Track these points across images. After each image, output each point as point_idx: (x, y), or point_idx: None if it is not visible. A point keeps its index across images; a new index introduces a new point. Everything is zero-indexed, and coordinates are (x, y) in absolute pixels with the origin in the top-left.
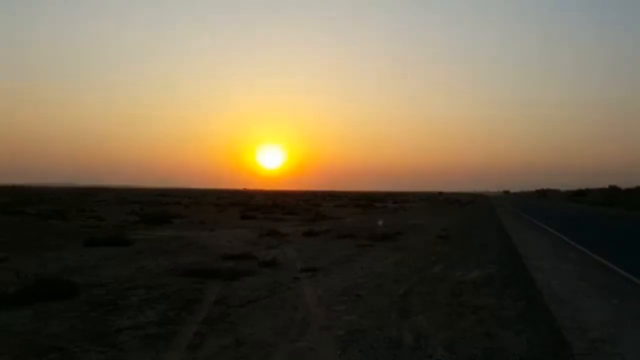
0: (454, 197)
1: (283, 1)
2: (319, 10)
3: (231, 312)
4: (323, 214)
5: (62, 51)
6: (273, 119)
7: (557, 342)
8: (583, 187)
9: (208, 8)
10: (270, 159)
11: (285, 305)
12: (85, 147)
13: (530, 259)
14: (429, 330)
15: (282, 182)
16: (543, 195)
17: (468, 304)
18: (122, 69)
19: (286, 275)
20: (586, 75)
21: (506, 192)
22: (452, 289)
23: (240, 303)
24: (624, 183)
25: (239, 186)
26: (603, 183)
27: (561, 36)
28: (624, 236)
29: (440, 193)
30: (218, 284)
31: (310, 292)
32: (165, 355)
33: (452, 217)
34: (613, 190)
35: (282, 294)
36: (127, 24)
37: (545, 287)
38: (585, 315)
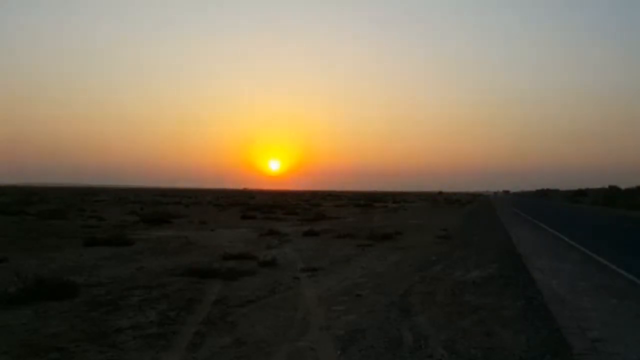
0: (454, 197)
1: (289, 3)
2: (321, 11)
3: (231, 312)
4: (323, 213)
5: (63, 51)
6: (273, 119)
7: (557, 342)
8: (583, 187)
9: (210, 9)
10: (271, 159)
11: (285, 305)
12: (85, 147)
13: (530, 259)
14: (429, 330)
15: (282, 182)
16: (543, 195)
17: (468, 303)
18: (124, 69)
19: (286, 275)
20: (586, 75)
21: (506, 192)
22: (452, 289)
23: (241, 303)
24: (624, 183)
25: (239, 186)
26: (603, 183)
27: (561, 36)
28: (625, 237)
29: (440, 193)
30: (218, 283)
31: (310, 292)
32: (165, 355)
33: (452, 217)
34: (613, 190)
35: (282, 293)
36: (130, 24)
37: (545, 287)
38: (585, 315)
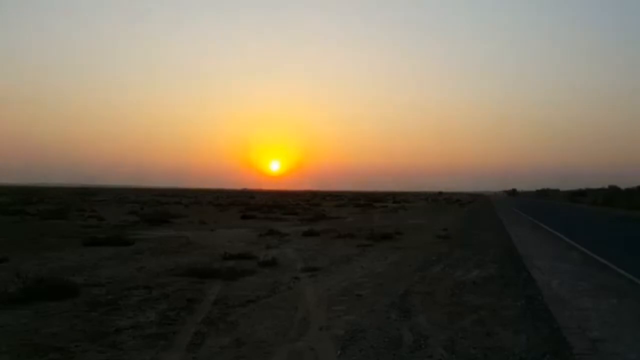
0: (454, 197)
1: (287, 4)
2: (322, 12)
3: (231, 311)
4: (323, 213)
5: (63, 51)
6: (274, 119)
7: (557, 342)
8: (583, 187)
9: (210, 9)
10: (271, 159)
11: (285, 305)
12: (85, 147)
13: (530, 259)
14: (429, 330)
15: (282, 182)
16: (543, 195)
17: (468, 303)
18: (125, 69)
19: (286, 275)
20: (586, 75)
21: (506, 193)
22: (452, 289)
23: (241, 303)
24: (624, 183)
25: (239, 186)
26: (603, 183)
27: (560, 36)
28: (625, 236)
29: (440, 193)
30: (218, 283)
31: (310, 292)
32: (165, 355)
33: (452, 217)
34: (613, 190)
35: (282, 293)
36: (129, 23)
37: (545, 287)
38: (585, 315)
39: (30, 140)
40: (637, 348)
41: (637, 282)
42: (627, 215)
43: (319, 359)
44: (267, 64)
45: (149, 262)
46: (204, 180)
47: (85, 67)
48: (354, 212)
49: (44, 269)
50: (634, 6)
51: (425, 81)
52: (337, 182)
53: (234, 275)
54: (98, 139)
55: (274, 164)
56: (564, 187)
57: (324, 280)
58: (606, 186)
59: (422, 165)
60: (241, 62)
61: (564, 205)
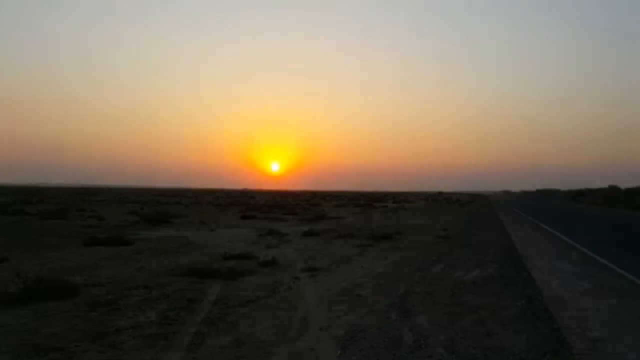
0: (454, 197)
1: (287, 5)
2: (322, 13)
3: (231, 311)
4: (323, 213)
5: (63, 51)
6: (274, 119)
7: (557, 342)
8: (583, 187)
9: (211, 9)
10: (271, 159)
11: (285, 305)
12: (85, 147)
13: (530, 259)
14: (429, 330)
15: (282, 182)
16: (543, 195)
17: (468, 303)
18: (125, 69)
19: (286, 275)
20: (586, 75)
21: (506, 192)
22: (452, 289)
23: (241, 303)
24: (624, 183)
25: (239, 186)
26: (603, 183)
27: (559, 37)
28: (625, 236)
29: (440, 193)
30: (218, 283)
31: (311, 292)
32: (165, 355)
33: (452, 217)
34: (613, 190)
35: (282, 293)
36: (129, 23)
37: (545, 287)
38: (585, 315)
39: (30, 140)
40: (637, 348)
41: (637, 282)
42: (627, 215)
43: (319, 359)
44: (267, 64)
45: (149, 262)
46: (204, 180)
47: (85, 67)
48: (354, 212)
49: (44, 269)
50: (634, 6)
51: (424, 81)
52: (337, 182)
53: (234, 275)
54: (98, 139)
55: (274, 164)
56: (564, 187)
57: (324, 280)
58: (606, 186)
59: (422, 165)
60: (241, 62)
61: (564, 205)
